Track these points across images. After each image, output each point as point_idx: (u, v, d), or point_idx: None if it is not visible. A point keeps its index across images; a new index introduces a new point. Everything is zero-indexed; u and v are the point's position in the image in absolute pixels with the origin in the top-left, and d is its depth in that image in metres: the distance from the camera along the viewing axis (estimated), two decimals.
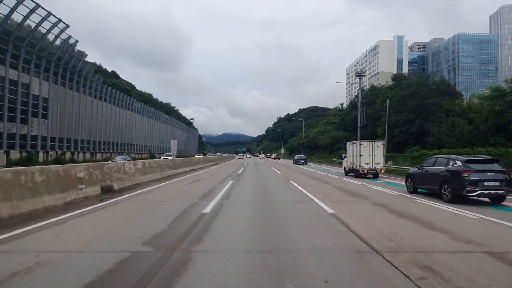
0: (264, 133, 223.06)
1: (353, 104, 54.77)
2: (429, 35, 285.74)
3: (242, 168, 29.31)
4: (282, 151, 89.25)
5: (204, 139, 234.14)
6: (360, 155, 18.29)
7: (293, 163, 44.81)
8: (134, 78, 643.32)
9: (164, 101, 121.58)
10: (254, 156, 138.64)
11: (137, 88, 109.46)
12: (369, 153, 18.23)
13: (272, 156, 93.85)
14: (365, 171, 18.17)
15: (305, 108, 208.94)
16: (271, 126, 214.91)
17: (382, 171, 18.57)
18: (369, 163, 18.17)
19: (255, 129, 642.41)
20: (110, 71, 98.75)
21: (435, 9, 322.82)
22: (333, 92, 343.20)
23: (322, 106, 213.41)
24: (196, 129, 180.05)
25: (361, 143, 18.68)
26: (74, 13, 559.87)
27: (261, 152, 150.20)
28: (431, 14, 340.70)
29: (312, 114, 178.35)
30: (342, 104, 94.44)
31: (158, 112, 71.95)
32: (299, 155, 52.56)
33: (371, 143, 18.63)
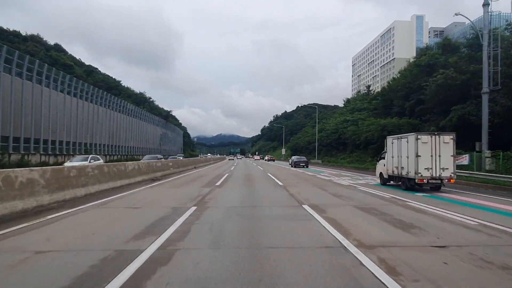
0: (260, 133, 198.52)
1: (415, 74, 30.61)
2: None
3: (191, 209, 5.97)
4: (283, 151, 65.27)
5: (195, 139, 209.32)
6: (417, 156, 11.75)
7: (291, 167, 36.66)
8: (126, 77, 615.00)
9: (158, 100, 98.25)
10: (247, 157, 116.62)
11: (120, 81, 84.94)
12: (430, 152, 11.77)
13: (266, 158, 73.50)
14: (425, 180, 11.59)
15: (305, 105, 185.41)
16: (267, 125, 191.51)
17: (451, 181, 11.87)
18: (431, 168, 11.69)
19: (250, 130, 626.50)
20: (53, 43, 73.73)
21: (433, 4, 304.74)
22: (330, 92, 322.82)
23: (323, 103, 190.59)
24: (184, 127, 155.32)
25: (419, 136, 11.84)
26: (58, 8, 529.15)
27: (257, 153, 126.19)
28: (429, 9, 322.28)
29: (312, 111, 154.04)
30: (368, 87, 70.49)
31: (106, 94, 47.20)
32: (298, 156, 42.56)
33: (434, 137, 11.86)
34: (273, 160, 67.15)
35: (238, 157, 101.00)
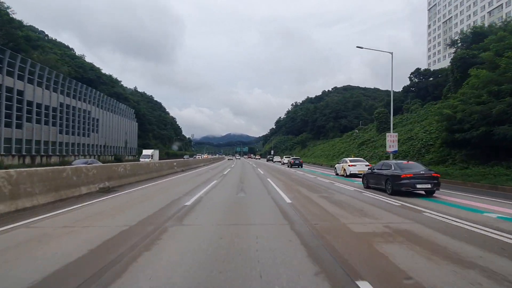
0: (274, 127, 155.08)
1: None
2: None
3: None
4: (390, 141, 19.49)
5: (192, 135, 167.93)
6: None
7: (364, 186, 13.10)
8: (132, 75, 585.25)
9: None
10: (253, 158, 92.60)
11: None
12: None
13: (284, 160, 47.05)
14: None
15: (337, 87, 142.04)
16: (283, 116, 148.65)
17: None
18: None
19: (259, 130, 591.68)
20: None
21: None
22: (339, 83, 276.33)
23: (356, 85, 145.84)
24: (172, 118, 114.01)
25: None
26: None
27: (272, 152, 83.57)
28: None
29: (347, 94, 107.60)
30: None
31: None
32: (410, 163, 11.49)
33: None
34: (301, 165, 36.20)
35: (237, 157, 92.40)
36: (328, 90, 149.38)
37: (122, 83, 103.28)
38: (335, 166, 22.19)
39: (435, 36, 79.19)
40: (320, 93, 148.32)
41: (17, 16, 48.76)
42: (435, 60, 77.25)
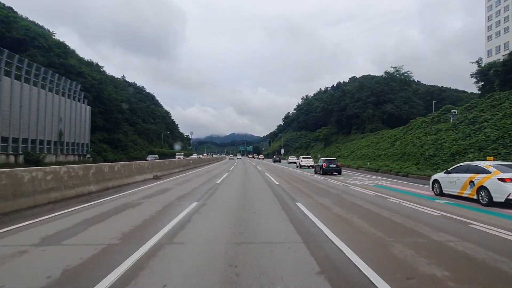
0: (282, 123, 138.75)
1: None
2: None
3: None
4: None
5: (191, 133, 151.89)
6: None
7: None
8: (139, 73, 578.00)
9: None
10: (256, 158, 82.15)
11: None
12: None
13: (302, 162, 32.62)
14: None
15: (356, 77, 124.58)
16: (293, 111, 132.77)
17: None
18: None
19: (263, 129, 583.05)
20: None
21: None
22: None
23: (376, 75, 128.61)
24: (166, 111, 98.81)
25: None
26: None
27: (282, 150, 68.70)
28: None
29: (372, 85, 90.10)
30: None
31: None
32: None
33: None
34: (338, 170, 19.85)
35: (238, 156, 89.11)
36: (344, 82, 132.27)
37: (104, 68, 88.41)
38: (436, 177, 11.07)
39: (497, 1, 61.69)
40: (335, 84, 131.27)
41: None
42: (498, 32, 60.24)
